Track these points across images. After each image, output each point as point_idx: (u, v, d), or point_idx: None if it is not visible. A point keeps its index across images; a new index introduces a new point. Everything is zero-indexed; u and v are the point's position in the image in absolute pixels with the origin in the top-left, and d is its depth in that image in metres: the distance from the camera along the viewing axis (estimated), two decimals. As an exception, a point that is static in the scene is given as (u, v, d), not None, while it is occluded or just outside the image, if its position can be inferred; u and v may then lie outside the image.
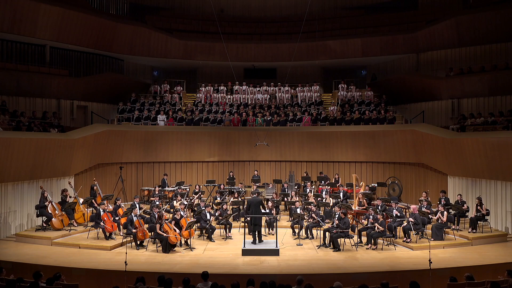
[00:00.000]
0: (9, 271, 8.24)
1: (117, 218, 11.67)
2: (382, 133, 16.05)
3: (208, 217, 11.89)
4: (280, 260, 9.83)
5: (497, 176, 12.40)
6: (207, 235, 11.74)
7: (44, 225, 11.83)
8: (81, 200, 12.85)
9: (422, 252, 10.04)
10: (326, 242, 10.97)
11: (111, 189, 15.73)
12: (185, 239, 10.95)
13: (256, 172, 16.39)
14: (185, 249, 10.75)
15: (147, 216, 11.55)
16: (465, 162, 13.20)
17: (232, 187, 15.31)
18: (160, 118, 17.06)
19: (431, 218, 11.88)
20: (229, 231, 12.08)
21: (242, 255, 10.14)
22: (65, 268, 8.75)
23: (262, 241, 11.05)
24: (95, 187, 13.81)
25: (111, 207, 12.32)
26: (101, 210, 11.58)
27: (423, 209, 11.81)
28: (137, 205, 12.00)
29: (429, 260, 8.28)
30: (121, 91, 18.46)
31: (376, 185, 15.66)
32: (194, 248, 10.80)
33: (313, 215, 11.80)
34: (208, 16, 21.13)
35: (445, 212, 11.38)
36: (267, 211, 12.05)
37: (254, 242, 10.92)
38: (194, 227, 11.20)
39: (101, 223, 11.26)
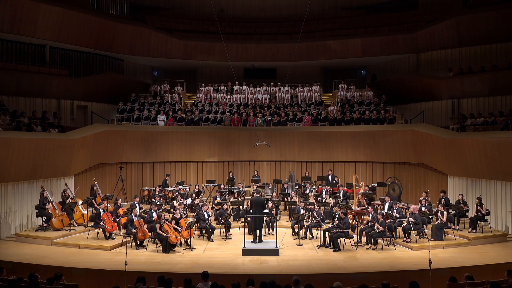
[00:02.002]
0: (9, 271, 8.24)
1: (117, 219, 11.68)
2: (382, 133, 16.04)
3: (206, 216, 11.90)
4: (280, 260, 9.83)
5: (497, 176, 12.37)
6: (207, 235, 11.74)
7: (45, 225, 11.83)
8: (80, 202, 12.85)
9: (422, 252, 10.04)
10: (326, 242, 10.97)
11: (111, 189, 15.72)
12: (185, 239, 10.95)
13: (256, 172, 16.39)
14: (185, 249, 10.75)
15: (147, 216, 11.56)
16: (465, 162, 13.18)
17: (232, 187, 15.32)
18: (160, 118, 17.06)
19: (431, 218, 11.86)
20: (229, 231, 12.08)
21: (242, 255, 10.14)
22: (65, 268, 8.75)
23: (262, 241, 11.06)
24: (95, 187, 13.81)
25: (110, 207, 12.32)
26: (101, 210, 11.58)
27: (423, 209, 11.81)
28: (137, 205, 12.00)
29: (429, 260, 8.28)
30: (121, 91, 18.46)
31: (376, 185, 15.65)
32: (194, 248, 10.80)
33: (315, 214, 11.80)
34: (208, 16, 21.13)
35: (445, 212, 11.38)
36: (268, 211, 12.05)
37: (254, 241, 10.94)
38: (194, 227, 11.21)
39: (101, 223, 11.26)
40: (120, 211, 12.05)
